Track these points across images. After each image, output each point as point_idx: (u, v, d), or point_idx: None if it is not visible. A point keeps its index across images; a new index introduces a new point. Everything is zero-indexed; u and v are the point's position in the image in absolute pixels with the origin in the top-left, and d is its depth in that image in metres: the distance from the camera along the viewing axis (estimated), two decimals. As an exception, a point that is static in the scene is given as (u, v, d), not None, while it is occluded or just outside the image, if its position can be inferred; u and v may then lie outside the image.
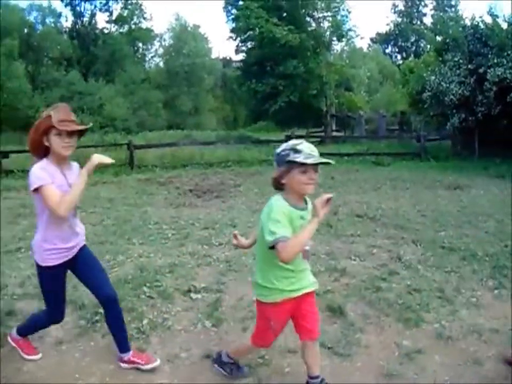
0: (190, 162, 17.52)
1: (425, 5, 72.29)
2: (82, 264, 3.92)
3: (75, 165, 3.94)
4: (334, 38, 44.73)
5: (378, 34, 75.12)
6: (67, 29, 54.62)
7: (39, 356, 4.14)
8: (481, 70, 16.96)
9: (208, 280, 5.64)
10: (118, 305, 3.96)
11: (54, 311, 3.99)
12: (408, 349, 4.07)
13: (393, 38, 74.67)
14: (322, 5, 43.42)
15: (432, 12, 71.55)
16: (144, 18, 57.56)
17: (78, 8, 54.51)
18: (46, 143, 3.52)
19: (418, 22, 72.51)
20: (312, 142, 11.63)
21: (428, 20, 71.20)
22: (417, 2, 72.50)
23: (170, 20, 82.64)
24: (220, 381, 3.71)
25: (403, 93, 30.07)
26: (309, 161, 2.90)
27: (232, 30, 49.30)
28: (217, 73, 61.10)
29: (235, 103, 57.16)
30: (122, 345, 3.95)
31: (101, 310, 4.86)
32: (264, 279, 3.24)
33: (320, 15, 44.24)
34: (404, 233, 7.62)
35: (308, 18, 44.67)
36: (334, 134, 31.71)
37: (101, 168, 15.81)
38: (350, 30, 45.11)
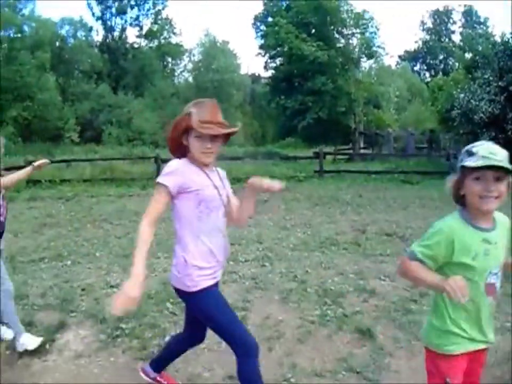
0: (218, 177, 17.50)
1: (454, 22, 72.11)
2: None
3: (219, 169, 3.42)
4: (363, 55, 44.72)
5: (406, 51, 74.92)
6: (98, 43, 55.27)
7: None
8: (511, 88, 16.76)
9: (233, 298, 5.49)
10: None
11: (239, 333, 3.22)
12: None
13: (421, 56, 74.38)
14: (351, 21, 43.45)
15: (461, 29, 71.31)
16: (174, 34, 58.10)
17: (109, 22, 55.25)
18: (185, 143, 3.09)
19: (447, 39, 72.17)
20: (340, 159, 11.49)
21: (456, 37, 71.03)
22: (446, 20, 72.19)
23: (199, 35, 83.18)
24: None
25: (432, 111, 29.88)
26: (479, 163, 2.27)
27: (261, 46, 49.51)
28: (246, 89, 61.17)
29: (263, 119, 57.16)
30: None
31: (122, 325, 4.82)
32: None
33: (349, 31, 44.30)
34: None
35: (336, 35, 44.72)
36: (362, 151, 31.48)
37: (127, 181, 15.94)
38: (379, 47, 45.10)
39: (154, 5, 55.80)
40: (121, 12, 54.61)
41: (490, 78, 17.92)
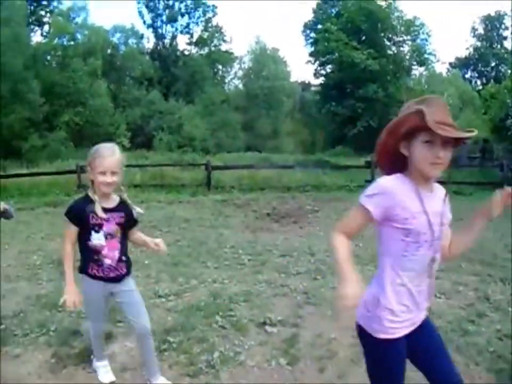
0: (268, 185, 17.36)
1: (506, 28, 70.39)
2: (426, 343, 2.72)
3: (439, 187, 2.59)
4: (414, 63, 44.21)
5: (457, 58, 73.55)
6: (149, 50, 56.01)
7: None
8: None
9: (284, 313, 5.38)
10: None
11: None
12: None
13: (472, 63, 72.90)
14: (402, 28, 43.01)
15: (514, 34, 69.66)
16: (224, 41, 58.44)
17: (159, 30, 56.00)
18: (404, 151, 2.38)
19: (499, 46, 70.55)
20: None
21: (508, 44, 69.20)
22: (498, 25, 70.63)
23: (250, 42, 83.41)
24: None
25: (484, 120, 29.21)
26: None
27: (311, 54, 49.40)
28: (295, 96, 61.10)
29: (313, 127, 56.95)
30: None
31: (170, 338, 4.74)
32: None
33: (400, 38, 43.83)
34: (490, 270, 7.17)
35: (387, 42, 44.34)
36: (413, 160, 30.90)
37: (177, 188, 15.98)
38: (430, 54, 44.51)
39: (205, 12, 56.29)
40: (172, 20, 55.22)
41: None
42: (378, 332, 2.45)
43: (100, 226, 3.48)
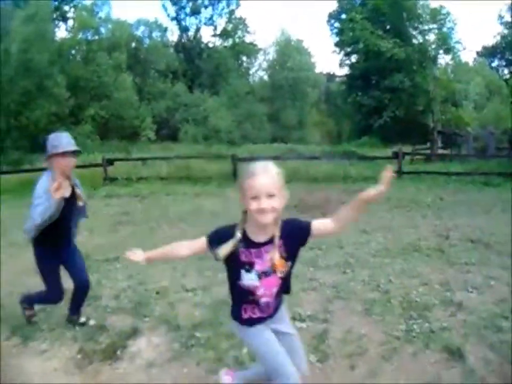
0: (294, 176, 17.18)
1: (534, 15, 69.07)
2: None
3: None
4: (440, 52, 43.66)
5: (484, 47, 72.35)
6: (173, 43, 56.16)
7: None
8: None
9: (313, 308, 5.28)
10: None
11: None
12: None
13: (500, 51, 71.60)
14: (427, 17, 42.47)
15: (542, 22, 68.36)
16: (248, 33, 58.33)
17: (183, 22, 56.10)
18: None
19: (527, 33, 69.25)
20: (418, 160, 11.01)
21: (537, 31, 67.89)
22: (526, 12, 69.35)
23: (275, 34, 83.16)
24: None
25: (512, 109, 28.77)
26: None
27: (336, 44, 49.12)
28: (321, 87, 60.85)
29: (339, 118, 56.71)
30: None
31: (197, 334, 4.67)
32: None
33: (426, 27, 43.30)
34: (520, 263, 6.99)
35: (412, 31, 43.85)
36: (441, 151, 30.58)
37: (204, 180, 16.01)
38: (456, 42, 43.92)
39: (228, 4, 56.22)
40: (196, 12, 55.24)
41: None
42: None
43: (251, 265, 2.86)
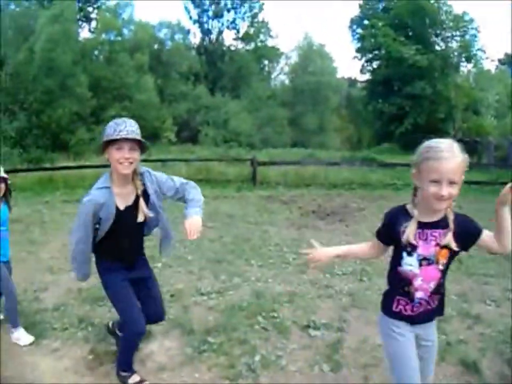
0: (314, 182, 17.16)
1: (557, 22, 68.40)
2: None
3: None
4: (463, 59, 43.38)
5: (506, 55, 71.66)
6: (195, 45, 56.22)
7: None
8: None
9: (329, 316, 5.24)
10: None
11: None
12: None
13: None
14: (450, 24, 42.22)
15: None
16: (270, 36, 58.27)
17: (205, 25, 56.09)
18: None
19: (550, 41, 68.54)
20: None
21: (560, 39, 67.18)
22: (548, 19, 68.67)
23: (297, 38, 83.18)
24: None
25: (534, 119, 28.51)
26: None
27: (358, 50, 48.97)
28: (342, 92, 60.67)
29: (359, 124, 56.49)
30: None
31: (210, 339, 4.65)
32: None
33: (448, 34, 43.05)
34: (540, 276, 6.87)
35: (435, 38, 43.63)
36: (461, 160, 30.24)
37: (222, 183, 16.05)
38: (479, 50, 43.62)
39: (251, 8, 56.18)
40: (218, 15, 55.32)
41: None
42: None
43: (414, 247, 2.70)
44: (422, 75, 40.57)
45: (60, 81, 33.52)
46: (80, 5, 43.36)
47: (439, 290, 2.82)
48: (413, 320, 2.82)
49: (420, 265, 2.68)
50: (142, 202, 3.70)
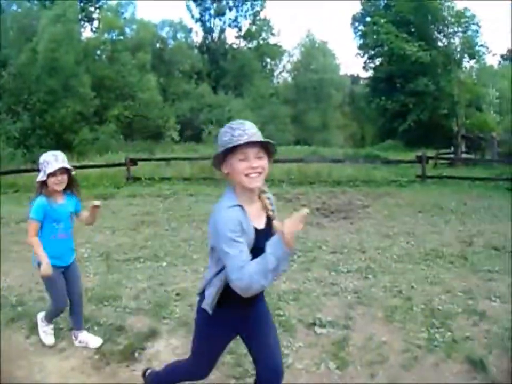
0: (317, 179, 17.11)
1: (561, 16, 68.12)
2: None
3: None
4: (465, 55, 43.32)
5: (509, 50, 71.41)
6: (197, 44, 56.43)
7: None
8: None
9: (334, 313, 5.22)
10: None
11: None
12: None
13: (526, 55, 70.53)
14: (453, 20, 42.15)
15: None
16: (273, 34, 58.31)
17: (208, 24, 56.27)
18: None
19: (553, 36, 68.31)
20: (441, 164, 10.96)
21: None
22: (552, 14, 68.36)
23: (300, 35, 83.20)
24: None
25: (538, 114, 28.42)
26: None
27: (360, 47, 48.97)
28: (345, 89, 60.65)
29: (362, 121, 56.53)
30: None
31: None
32: None
33: (451, 30, 42.99)
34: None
35: (437, 34, 43.57)
36: (465, 156, 30.26)
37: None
38: (481, 46, 43.54)
39: (253, 6, 56.21)
40: (220, 14, 55.43)
41: None
42: None
43: None
44: (425, 71, 40.51)
45: (63, 81, 33.61)
46: (82, 4, 43.36)
47: None
48: None
49: None
50: (277, 224, 2.56)
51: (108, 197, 14.28)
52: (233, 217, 2.56)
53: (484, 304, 5.45)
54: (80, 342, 4.58)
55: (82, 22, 44.62)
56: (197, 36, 58.37)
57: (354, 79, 63.77)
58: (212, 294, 2.83)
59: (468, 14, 42.16)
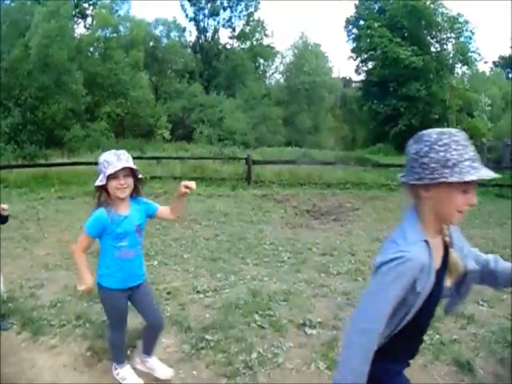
0: (308, 181, 17.18)
1: (553, 24, 68.52)
2: None
3: None
4: (458, 61, 43.56)
5: (501, 57, 71.70)
6: (191, 43, 56.44)
7: None
8: None
9: (324, 314, 5.28)
10: None
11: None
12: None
13: (517, 62, 70.82)
14: (446, 25, 42.38)
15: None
16: (266, 35, 58.32)
17: (201, 23, 56.29)
18: None
19: (544, 44, 68.61)
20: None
21: (555, 42, 67.34)
22: (544, 22, 68.74)
23: (293, 37, 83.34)
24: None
25: (528, 121, 28.59)
26: None
27: (353, 50, 49.11)
28: (337, 92, 60.76)
29: (354, 124, 56.71)
30: None
31: (208, 336, 4.67)
32: None
33: (444, 36, 43.23)
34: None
35: (430, 39, 43.83)
36: (455, 161, 30.29)
37: (217, 181, 16.00)
38: (473, 52, 43.80)
39: (247, 7, 56.25)
40: (214, 14, 55.45)
41: None
42: None
43: None
44: (417, 76, 40.73)
45: (55, 77, 33.53)
46: (75, 1, 43.24)
47: None
48: None
49: None
50: (455, 258, 2.18)
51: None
52: (418, 256, 2.01)
53: (472, 308, 5.51)
54: (148, 367, 4.08)
55: (75, 19, 44.51)
56: (191, 35, 58.68)
57: (347, 82, 63.94)
58: None
59: (461, 20, 42.43)
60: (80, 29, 46.25)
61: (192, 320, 5.07)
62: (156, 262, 7.28)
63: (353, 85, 60.37)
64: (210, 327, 4.91)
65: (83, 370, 4.17)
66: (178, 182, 16.52)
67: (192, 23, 56.30)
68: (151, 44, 48.72)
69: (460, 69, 45.82)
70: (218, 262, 7.28)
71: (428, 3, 42.04)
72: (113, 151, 3.61)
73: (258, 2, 56.97)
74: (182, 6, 57.08)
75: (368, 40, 44.05)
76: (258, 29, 57.68)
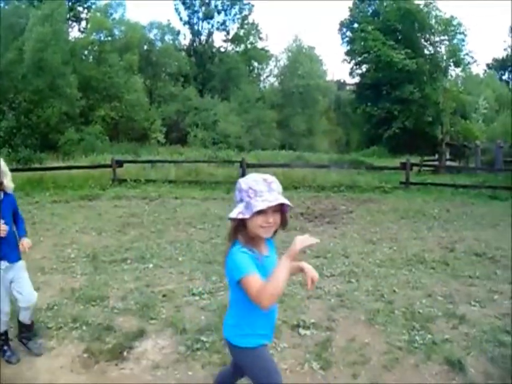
0: (302, 184, 17.20)
1: (546, 28, 68.52)
2: None
3: None
4: (451, 63, 43.70)
5: (495, 60, 71.88)
6: (185, 46, 56.44)
7: None
8: None
9: (318, 316, 5.34)
10: None
11: None
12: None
13: (510, 64, 71.07)
14: (439, 28, 42.54)
15: (553, 35, 67.92)
16: (260, 39, 58.35)
17: (196, 27, 56.34)
18: None
19: (538, 47, 68.65)
20: (425, 171, 11.12)
21: (548, 45, 67.34)
22: (537, 25, 68.82)
23: (287, 40, 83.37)
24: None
25: (521, 122, 28.70)
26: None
27: (347, 53, 49.21)
28: (331, 95, 60.79)
29: (348, 126, 56.80)
30: None
31: (203, 338, 4.73)
32: None
33: (437, 38, 43.39)
34: (527, 278, 7.00)
35: (424, 42, 43.99)
36: (449, 163, 30.48)
37: (212, 184, 16.02)
38: (466, 54, 43.94)
39: (241, 10, 56.33)
40: (208, 17, 55.51)
41: None
42: None
43: None
44: (411, 79, 40.87)
45: (49, 81, 33.50)
46: (70, 4, 43.24)
47: None
48: None
49: None
50: None
51: (93, 198, 14.35)
52: None
53: (464, 308, 5.58)
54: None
55: (70, 22, 44.52)
56: (185, 38, 58.51)
57: (341, 85, 63.94)
58: None
59: (455, 22, 42.58)
60: (74, 33, 46.29)
61: (187, 322, 5.11)
62: (151, 265, 7.32)
63: (347, 87, 60.41)
64: (205, 328, 4.95)
65: (80, 371, 4.21)
66: (172, 185, 16.68)
67: (187, 26, 56.42)
68: (146, 47, 48.70)
69: (453, 71, 45.99)
70: (213, 265, 7.32)
71: (421, 6, 42.21)
72: (260, 175, 2.80)
73: (253, 6, 57.06)
74: (176, 9, 57.13)
75: (362, 43, 44.18)
76: (253, 32, 57.71)
